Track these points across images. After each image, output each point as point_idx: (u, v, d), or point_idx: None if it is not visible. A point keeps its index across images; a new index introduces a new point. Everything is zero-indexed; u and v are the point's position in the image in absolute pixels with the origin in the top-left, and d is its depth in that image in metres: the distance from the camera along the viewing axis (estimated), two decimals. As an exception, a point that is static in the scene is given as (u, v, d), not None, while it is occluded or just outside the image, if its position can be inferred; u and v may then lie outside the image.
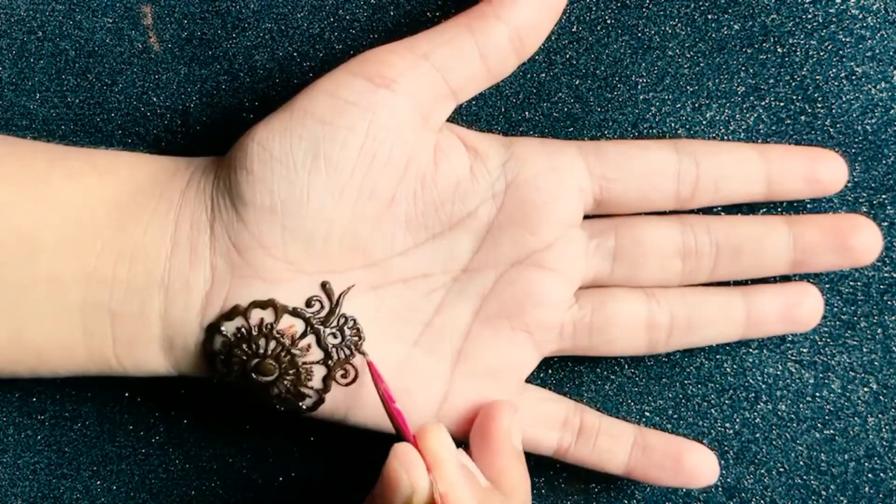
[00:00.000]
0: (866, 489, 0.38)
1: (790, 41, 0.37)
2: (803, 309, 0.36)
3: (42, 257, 0.32)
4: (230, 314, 0.32)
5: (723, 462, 0.38)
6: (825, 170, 0.35)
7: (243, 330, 0.32)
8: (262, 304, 0.32)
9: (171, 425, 0.38)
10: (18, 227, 0.32)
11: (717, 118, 0.37)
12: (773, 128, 0.37)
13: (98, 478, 0.38)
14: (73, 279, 0.32)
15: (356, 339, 0.33)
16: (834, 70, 0.37)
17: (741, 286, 0.36)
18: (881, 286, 0.37)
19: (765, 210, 0.37)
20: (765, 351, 0.38)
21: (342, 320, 0.33)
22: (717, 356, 0.38)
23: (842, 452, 0.38)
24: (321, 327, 0.33)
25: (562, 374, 0.38)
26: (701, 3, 0.37)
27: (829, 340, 0.38)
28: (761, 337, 0.37)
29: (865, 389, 0.38)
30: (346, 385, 0.34)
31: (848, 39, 0.37)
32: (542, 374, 0.38)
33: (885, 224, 0.37)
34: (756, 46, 0.37)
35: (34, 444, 0.38)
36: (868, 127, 0.37)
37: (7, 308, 0.32)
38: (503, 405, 0.34)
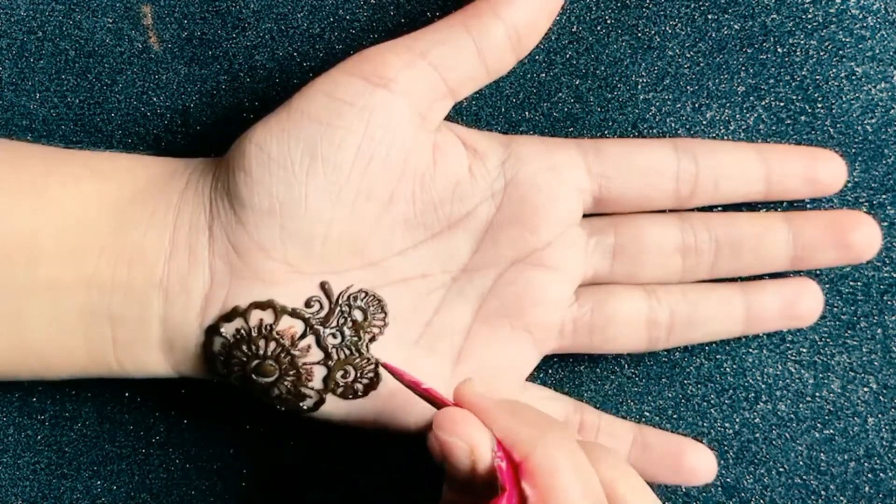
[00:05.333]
0: (866, 489, 0.38)
1: (790, 41, 0.37)
2: (803, 304, 0.36)
3: (41, 262, 0.32)
4: (229, 315, 0.32)
5: (722, 462, 0.38)
6: (824, 170, 0.35)
7: (243, 331, 0.32)
8: (262, 305, 0.32)
9: (171, 425, 0.38)
10: (17, 232, 0.32)
11: (717, 118, 0.37)
12: (773, 128, 0.37)
13: (98, 478, 0.38)
14: (72, 284, 0.32)
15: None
16: (834, 70, 0.37)
17: (741, 282, 0.36)
18: (881, 286, 0.37)
19: (764, 209, 0.37)
20: (765, 351, 0.38)
21: (342, 320, 0.33)
22: (717, 356, 0.38)
23: (841, 452, 0.38)
24: (321, 328, 0.33)
25: (562, 373, 0.38)
26: (701, 3, 0.37)
27: (828, 340, 0.38)
28: (762, 333, 0.37)
29: (865, 389, 0.38)
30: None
31: (848, 39, 0.37)
32: (542, 374, 0.38)
33: (885, 224, 0.37)
34: (756, 46, 0.37)
35: (34, 444, 0.38)
36: (868, 127, 0.37)
37: (7, 314, 0.32)
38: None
